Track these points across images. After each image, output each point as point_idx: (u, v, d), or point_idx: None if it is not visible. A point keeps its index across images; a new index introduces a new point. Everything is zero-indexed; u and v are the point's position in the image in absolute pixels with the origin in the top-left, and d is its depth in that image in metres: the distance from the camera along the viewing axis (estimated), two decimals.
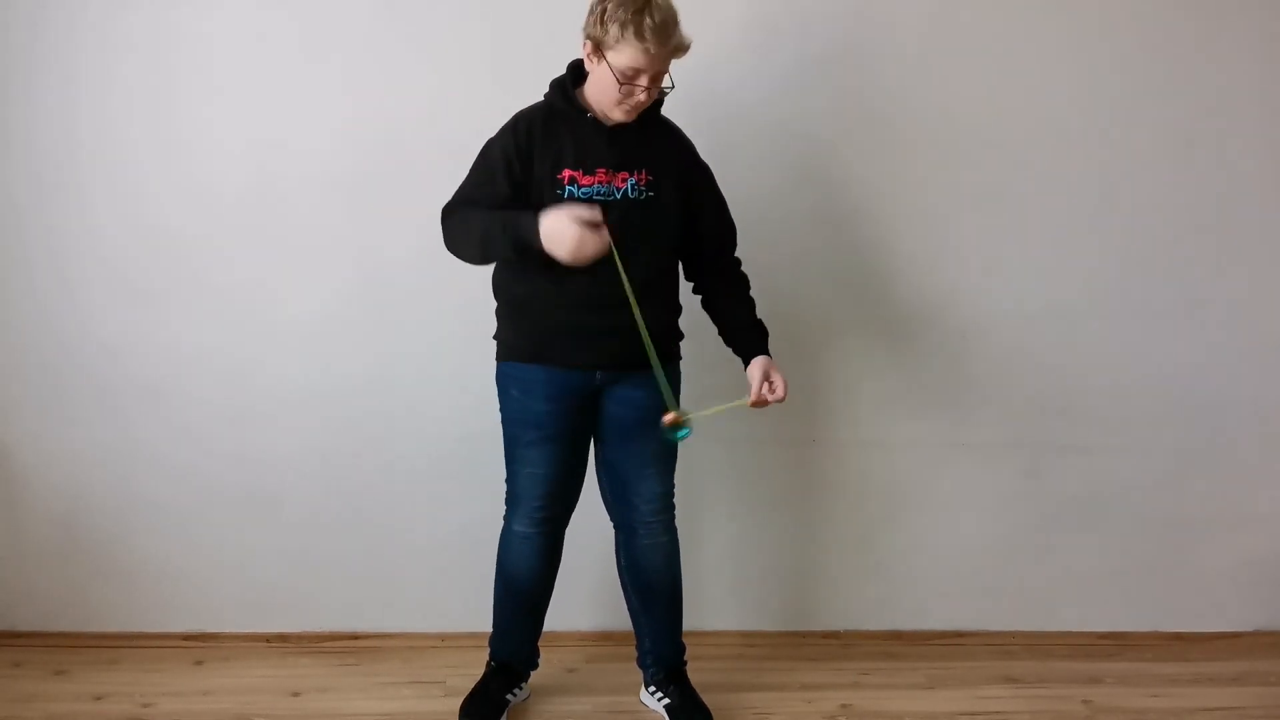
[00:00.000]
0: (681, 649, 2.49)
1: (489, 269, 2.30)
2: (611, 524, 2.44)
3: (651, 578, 2.42)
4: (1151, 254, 2.81)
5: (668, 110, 2.28)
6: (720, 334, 2.38)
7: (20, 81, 2.56)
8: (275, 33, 2.58)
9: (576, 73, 2.22)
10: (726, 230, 2.37)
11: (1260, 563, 2.96)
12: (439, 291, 2.60)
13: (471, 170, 2.23)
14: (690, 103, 2.65)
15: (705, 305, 2.40)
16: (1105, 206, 2.79)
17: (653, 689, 2.47)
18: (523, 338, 2.28)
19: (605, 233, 2.05)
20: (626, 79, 2.08)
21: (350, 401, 2.72)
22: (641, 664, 2.49)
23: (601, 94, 2.15)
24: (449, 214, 2.21)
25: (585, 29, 2.12)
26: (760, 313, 2.79)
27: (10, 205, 2.61)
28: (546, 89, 2.24)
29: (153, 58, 2.57)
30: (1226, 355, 2.87)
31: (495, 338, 2.34)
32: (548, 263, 2.09)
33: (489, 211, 2.15)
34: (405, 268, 2.64)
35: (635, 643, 2.50)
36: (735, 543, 2.88)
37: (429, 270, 2.49)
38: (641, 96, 2.11)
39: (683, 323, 2.71)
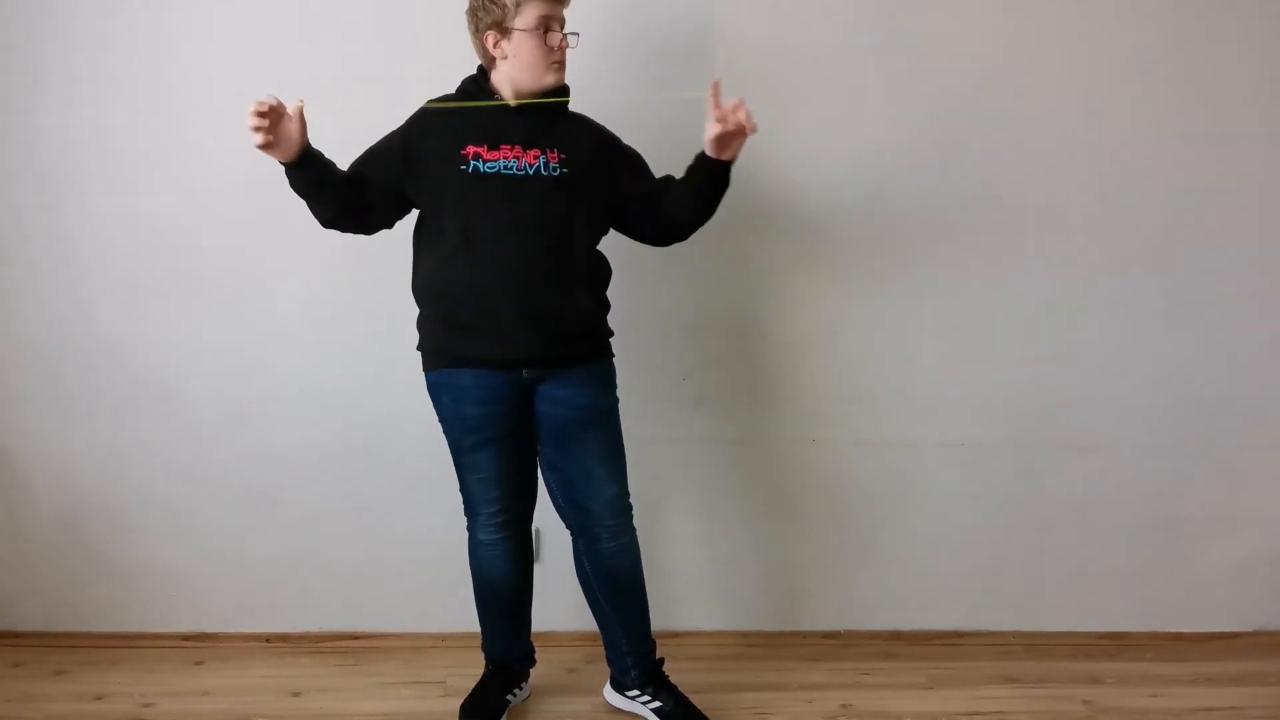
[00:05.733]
0: (654, 645, 2.46)
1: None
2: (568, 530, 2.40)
3: (620, 580, 2.37)
4: (1151, 254, 2.81)
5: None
6: (680, 194, 2.25)
7: (22, 80, 2.57)
8: (276, 29, 2.59)
9: (482, 74, 2.26)
10: (657, 188, 2.30)
11: (1260, 563, 2.95)
12: None
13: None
14: (651, 73, 2.66)
15: (666, 221, 2.30)
16: (1105, 206, 2.79)
17: (635, 692, 2.43)
18: (442, 340, 2.24)
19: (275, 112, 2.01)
20: (543, 32, 2.14)
21: (350, 402, 2.72)
22: (619, 666, 2.44)
23: (528, 66, 2.16)
24: None
25: (480, 27, 2.19)
26: (763, 313, 2.80)
27: (10, 204, 2.61)
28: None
29: (153, 56, 2.58)
30: (1226, 355, 2.87)
31: (418, 348, 2.31)
32: (462, 243, 2.15)
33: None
34: (406, 268, 2.63)
35: (605, 646, 2.45)
36: (735, 543, 2.88)
37: None
38: (563, 42, 2.17)
39: (679, 322, 2.71)
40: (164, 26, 2.57)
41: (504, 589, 2.41)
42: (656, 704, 2.41)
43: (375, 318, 2.68)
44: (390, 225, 2.30)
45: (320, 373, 2.71)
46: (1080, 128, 2.75)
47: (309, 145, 2.08)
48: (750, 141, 2.65)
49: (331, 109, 2.59)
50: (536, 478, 2.38)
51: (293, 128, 2.04)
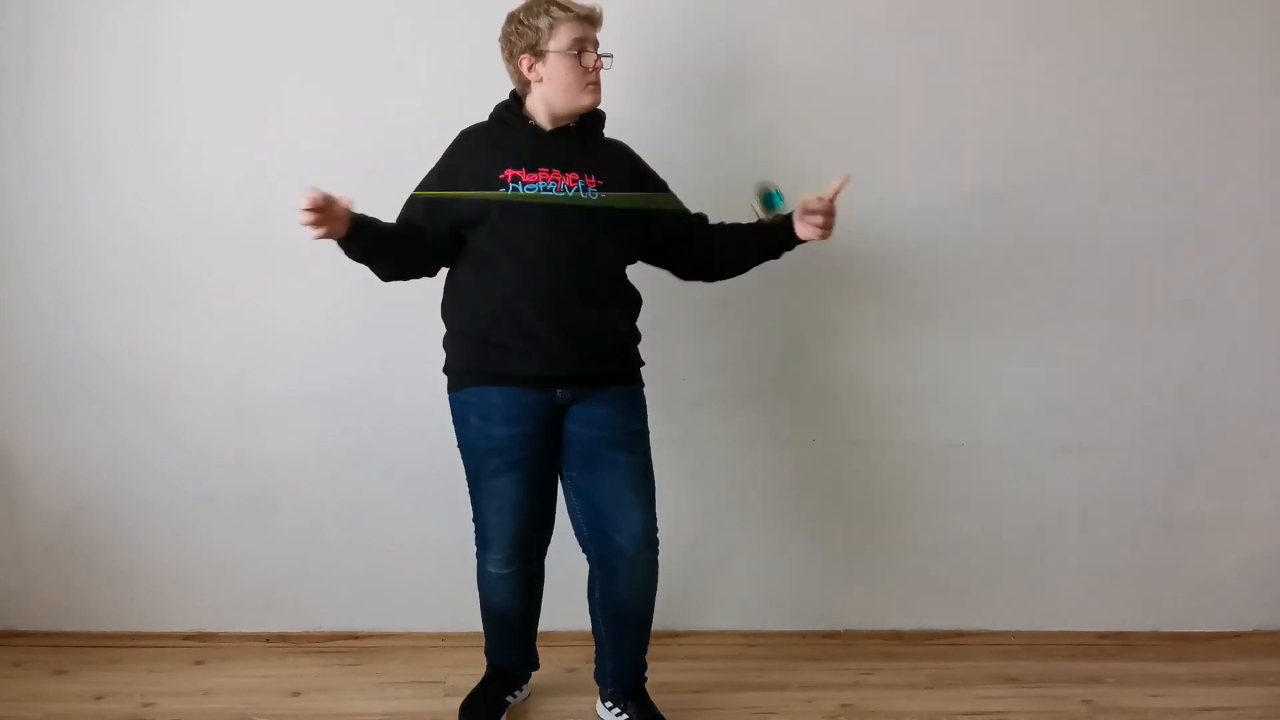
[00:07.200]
0: (643, 668, 2.43)
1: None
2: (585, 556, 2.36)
3: (625, 612, 2.34)
4: (1151, 254, 2.81)
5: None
6: (743, 251, 2.31)
7: (13, 87, 2.56)
8: (271, 39, 2.59)
9: (517, 99, 2.25)
10: (688, 217, 2.35)
11: (1260, 563, 2.96)
12: (436, 293, 2.60)
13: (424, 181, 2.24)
14: (688, 104, 2.66)
15: (707, 264, 2.35)
16: (1105, 205, 2.79)
17: (610, 704, 2.42)
18: (475, 358, 2.21)
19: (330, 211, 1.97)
20: (577, 53, 2.14)
21: (350, 402, 2.72)
22: (600, 680, 2.44)
23: (564, 88, 2.16)
24: None
25: (513, 53, 2.18)
26: (763, 313, 2.79)
27: (6, 213, 2.61)
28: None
29: (146, 64, 2.58)
30: (1226, 355, 2.87)
31: (445, 370, 2.29)
32: (504, 261, 2.14)
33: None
34: None
35: (595, 658, 2.44)
36: (736, 542, 2.88)
37: None
38: (598, 63, 2.16)
39: (679, 323, 2.71)
40: (157, 30, 2.56)
41: (510, 616, 2.40)
42: (625, 717, 2.39)
43: (372, 319, 2.68)
44: (452, 264, 2.27)
45: (319, 374, 2.70)
46: (1081, 127, 2.75)
47: (356, 216, 2.06)
48: (751, 144, 2.69)
49: (329, 113, 2.62)
50: (554, 517, 2.34)
51: (339, 210, 2.00)
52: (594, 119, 2.26)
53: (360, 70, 2.60)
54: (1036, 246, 2.79)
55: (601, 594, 2.34)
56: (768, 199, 2.16)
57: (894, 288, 2.79)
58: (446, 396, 2.29)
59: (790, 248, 2.27)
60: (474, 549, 2.38)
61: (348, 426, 2.73)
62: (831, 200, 2.17)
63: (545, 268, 2.14)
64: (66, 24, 2.55)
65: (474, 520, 2.33)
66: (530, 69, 2.17)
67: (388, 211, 2.61)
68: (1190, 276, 2.83)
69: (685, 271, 2.39)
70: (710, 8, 2.64)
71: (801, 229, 2.19)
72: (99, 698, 2.49)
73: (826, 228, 2.18)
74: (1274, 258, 2.84)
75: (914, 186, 2.75)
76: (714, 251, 2.32)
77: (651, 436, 2.35)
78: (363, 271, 2.64)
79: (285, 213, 2.61)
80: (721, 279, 2.39)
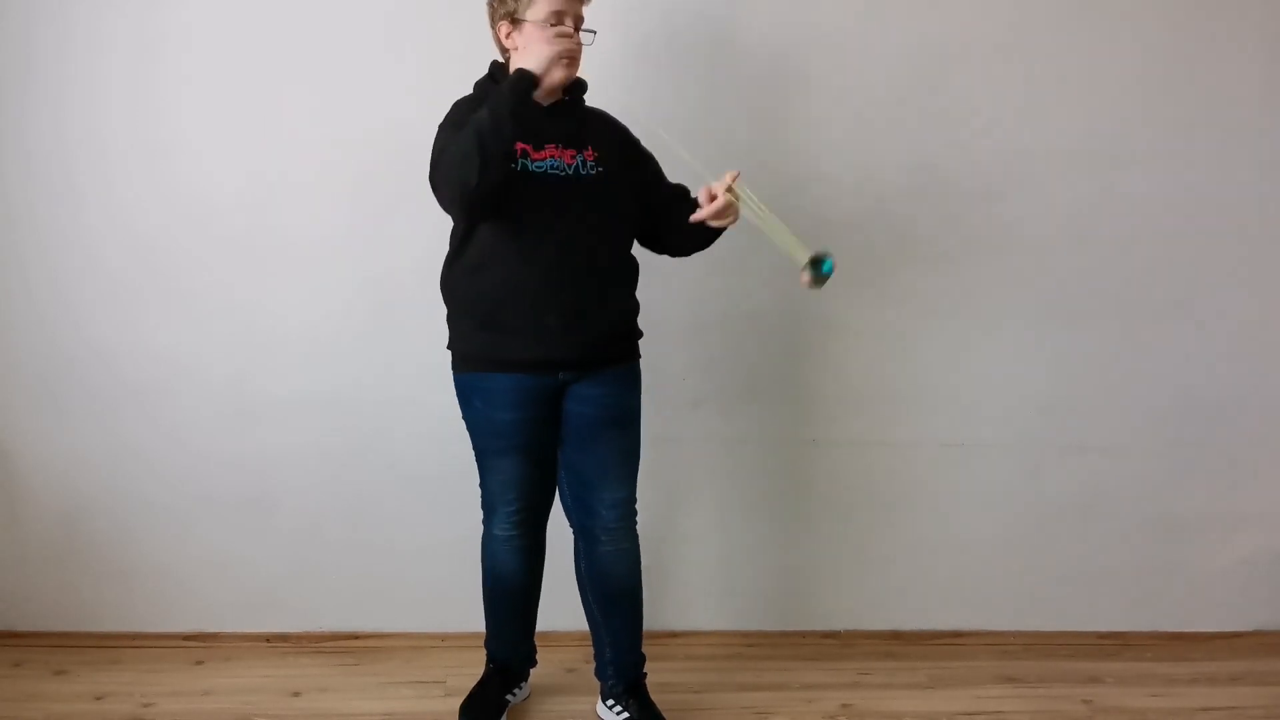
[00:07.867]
0: (641, 659, 2.43)
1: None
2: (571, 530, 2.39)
3: (613, 586, 2.36)
4: (1151, 254, 2.81)
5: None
6: (693, 232, 2.23)
7: (13, 87, 2.57)
8: (272, 39, 2.59)
9: (500, 70, 2.21)
10: (673, 196, 2.31)
11: (1260, 563, 2.95)
12: (437, 292, 2.60)
13: (444, 131, 2.14)
14: (691, 103, 2.66)
15: (675, 238, 2.30)
16: (1105, 206, 2.79)
17: (610, 702, 2.42)
18: (479, 344, 2.20)
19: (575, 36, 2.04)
20: (554, 24, 2.08)
21: (350, 403, 2.72)
22: (600, 675, 2.43)
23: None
24: (437, 163, 2.10)
25: (494, 20, 2.17)
26: (763, 313, 2.79)
27: (6, 213, 2.61)
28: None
29: (146, 64, 2.58)
30: (1226, 355, 2.87)
31: (450, 348, 2.28)
32: (511, 237, 2.10)
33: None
34: (403, 270, 2.63)
35: (594, 655, 2.44)
36: (735, 542, 2.88)
37: (427, 272, 2.48)
38: (575, 38, 2.11)
39: (678, 322, 2.70)
40: (157, 30, 2.56)
41: (513, 586, 2.40)
42: (626, 715, 2.39)
43: (372, 319, 2.68)
44: (458, 237, 2.21)
45: (318, 373, 2.70)
46: (1081, 128, 2.75)
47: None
48: (750, 140, 2.69)
49: (331, 115, 2.62)
50: (556, 479, 2.36)
51: None
52: (579, 89, 2.24)
53: (360, 71, 2.60)
54: (1036, 246, 2.79)
55: (587, 566, 2.36)
56: (818, 266, 2.13)
57: (894, 287, 2.79)
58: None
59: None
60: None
61: (348, 426, 2.73)
62: (721, 195, 2.11)
63: (553, 251, 2.13)
64: (66, 24, 2.55)
65: (480, 487, 2.35)
66: (508, 36, 2.16)
67: (388, 212, 2.64)
68: (1189, 276, 2.83)
69: (670, 247, 2.34)
70: None
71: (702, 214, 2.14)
72: (99, 698, 2.49)
73: (719, 216, 2.13)
74: (1273, 258, 2.84)
75: (913, 186, 2.75)
76: (680, 228, 2.24)
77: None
78: (362, 271, 2.66)
79: (280, 216, 2.64)
80: (680, 255, 2.35)
